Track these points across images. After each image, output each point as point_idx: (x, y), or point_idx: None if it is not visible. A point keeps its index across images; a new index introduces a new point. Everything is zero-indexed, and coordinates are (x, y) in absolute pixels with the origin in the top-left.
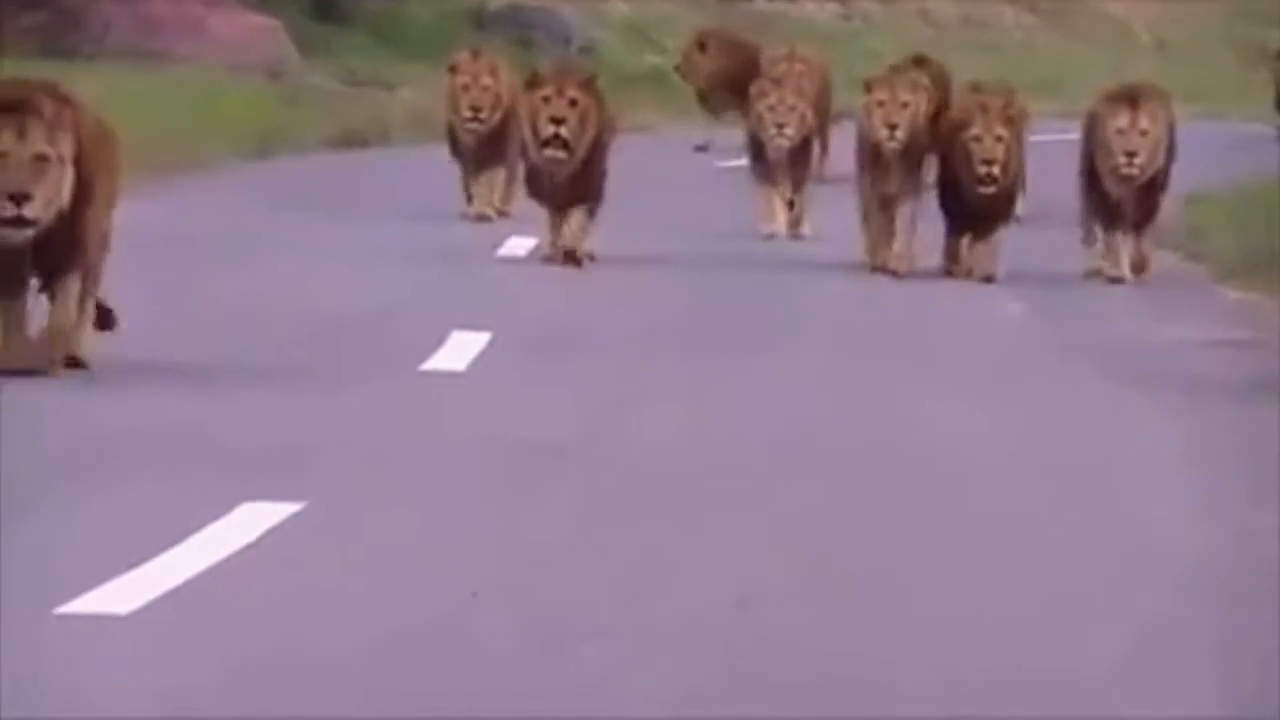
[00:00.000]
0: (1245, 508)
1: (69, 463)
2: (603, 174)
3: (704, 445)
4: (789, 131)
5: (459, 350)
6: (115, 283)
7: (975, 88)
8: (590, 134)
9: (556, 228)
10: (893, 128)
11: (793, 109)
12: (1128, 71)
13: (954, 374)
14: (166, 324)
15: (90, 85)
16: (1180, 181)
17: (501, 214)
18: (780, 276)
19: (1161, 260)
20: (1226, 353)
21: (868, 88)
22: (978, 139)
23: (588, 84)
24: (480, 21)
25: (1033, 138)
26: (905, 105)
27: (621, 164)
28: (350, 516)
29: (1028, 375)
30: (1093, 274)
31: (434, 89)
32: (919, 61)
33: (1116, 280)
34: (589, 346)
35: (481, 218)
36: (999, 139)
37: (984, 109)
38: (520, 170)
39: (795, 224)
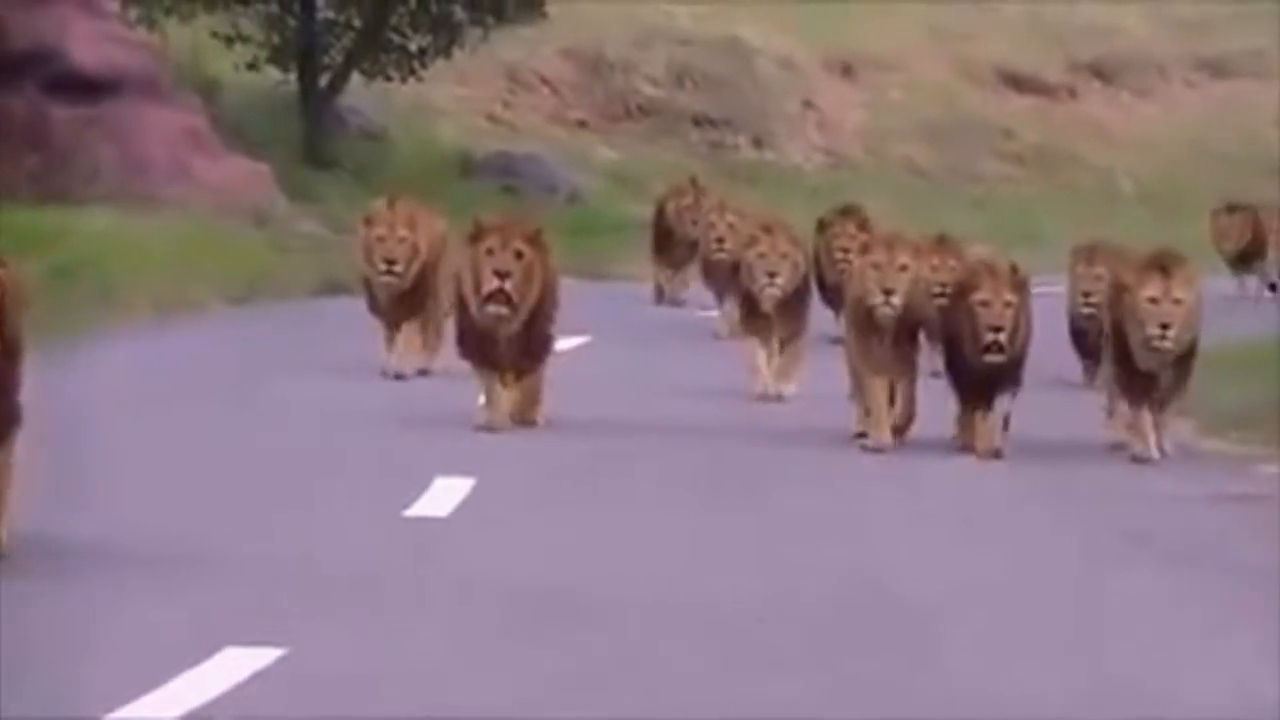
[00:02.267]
0: (1235, 664)
1: (48, 606)
2: (550, 334)
3: (690, 595)
4: (780, 281)
5: (443, 496)
6: (94, 430)
7: (942, 239)
8: (536, 289)
9: (494, 392)
10: (889, 293)
11: (785, 256)
12: (1110, 225)
13: (942, 531)
14: (149, 470)
15: (81, 227)
16: None
17: (423, 373)
18: (764, 434)
19: None
20: (1215, 507)
21: (864, 249)
22: (985, 304)
23: (534, 235)
24: (467, 169)
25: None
26: (903, 269)
27: (604, 313)
28: (334, 661)
29: (1017, 532)
30: (1116, 448)
31: None
32: (847, 211)
33: (1142, 459)
34: (573, 494)
35: (399, 376)
36: (1008, 304)
37: (991, 272)
38: (447, 326)
39: (781, 381)
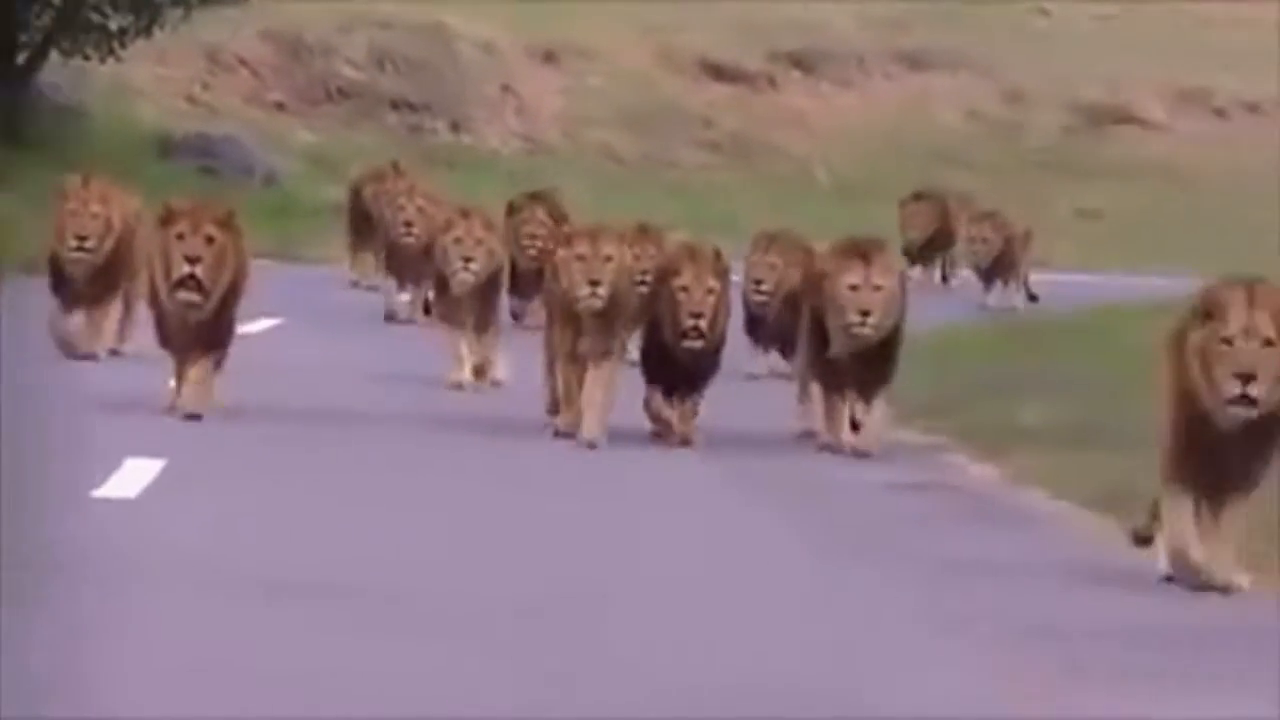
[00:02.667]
0: (900, 653)
1: None
2: (233, 319)
3: (378, 573)
4: (475, 267)
5: (132, 477)
6: None
7: (644, 228)
8: (227, 276)
9: (183, 377)
10: (595, 284)
11: (480, 242)
12: (804, 214)
13: (627, 518)
14: None
15: None
16: None
17: (114, 353)
18: (456, 420)
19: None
20: (897, 496)
21: (567, 240)
22: (685, 290)
23: (227, 219)
24: (165, 149)
25: None
26: (609, 259)
27: (299, 296)
28: (12, 644)
29: (701, 519)
30: (805, 435)
31: None
32: (535, 197)
33: (830, 448)
34: (263, 476)
35: (87, 357)
36: (710, 291)
37: (693, 257)
38: (139, 307)
39: (482, 372)
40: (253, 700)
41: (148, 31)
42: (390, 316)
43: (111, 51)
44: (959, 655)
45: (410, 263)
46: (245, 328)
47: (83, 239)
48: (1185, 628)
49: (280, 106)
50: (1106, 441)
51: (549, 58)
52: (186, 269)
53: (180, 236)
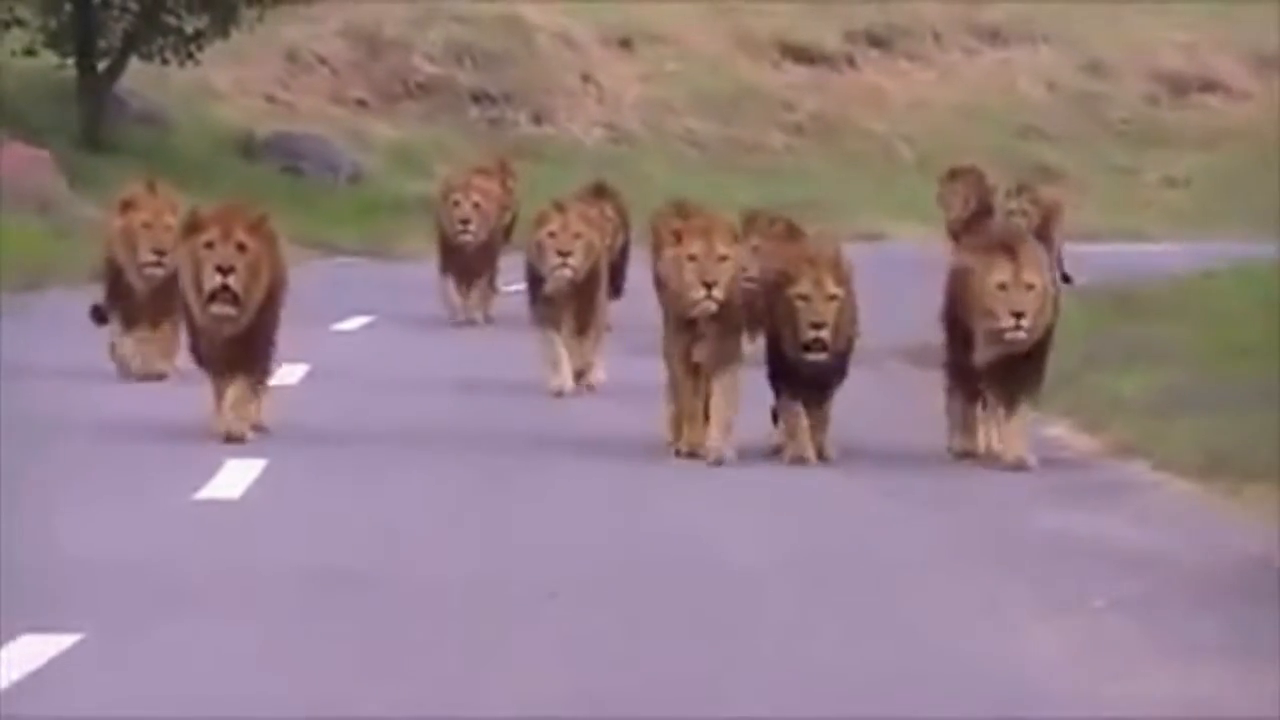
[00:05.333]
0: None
1: None
2: (274, 333)
3: (480, 574)
4: (574, 262)
5: (234, 478)
6: None
7: (753, 216)
8: (263, 285)
9: (222, 397)
10: (709, 285)
11: (578, 236)
12: (891, 191)
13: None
14: None
15: None
16: None
17: (160, 377)
18: (561, 427)
19: None
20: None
21: (678, 237)
22: (805, 298)
23: (258, 225)
24: (248, 150)
25: None
26: (723, 259)
27: (388, 293)
28: (130, 645)
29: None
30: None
31: None
32: (599, 191)
33: (972, 456)
34: (365, 475)
35: (160, 376)
36: (831, 298)
37: (812, 262)
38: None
39: (582, 374)
40: (361, 710)
41: (224, 33)
42: (462, 323)
43: (190, 55)
44: (1072, 633)
45: (465, 262)
46: (339, 325)
47: (160, 254)
48: None
49: (361, 103)
50: (1205, 408)
51: (625, 45)
52: (218, 280)
53: (210, 245)
